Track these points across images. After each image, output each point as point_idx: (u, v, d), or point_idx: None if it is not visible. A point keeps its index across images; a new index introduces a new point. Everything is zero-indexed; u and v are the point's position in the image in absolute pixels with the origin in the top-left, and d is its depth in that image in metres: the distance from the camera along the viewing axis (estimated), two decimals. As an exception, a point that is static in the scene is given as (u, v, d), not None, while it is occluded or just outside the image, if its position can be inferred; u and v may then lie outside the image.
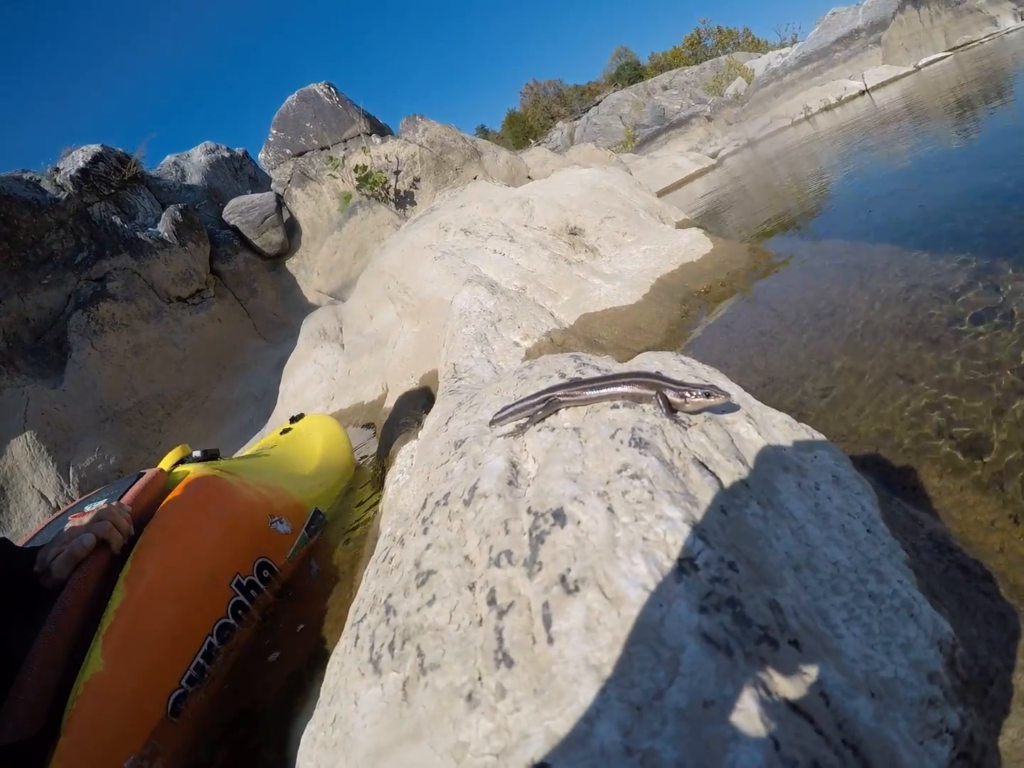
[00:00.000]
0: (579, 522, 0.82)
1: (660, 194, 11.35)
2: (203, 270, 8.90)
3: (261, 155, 10.49)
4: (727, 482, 0.89)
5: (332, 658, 1.09)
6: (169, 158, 10.90)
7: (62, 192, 7.98)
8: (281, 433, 2.98)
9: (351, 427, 4.98)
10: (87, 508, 1.68)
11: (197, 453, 2.08)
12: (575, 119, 36.71)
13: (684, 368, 1.41)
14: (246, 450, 2.98)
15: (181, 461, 2.00)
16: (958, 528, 1.11)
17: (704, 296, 3.15)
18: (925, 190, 3.66)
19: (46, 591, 1.37)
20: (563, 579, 0.74)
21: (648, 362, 1.49)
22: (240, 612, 1.71)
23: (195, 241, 8.84)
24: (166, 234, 8.51)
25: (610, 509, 0.81)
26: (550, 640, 0.68)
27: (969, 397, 1.51)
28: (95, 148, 8.83)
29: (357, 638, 1.06)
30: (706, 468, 0.90)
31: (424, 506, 1.22)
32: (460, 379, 3.03)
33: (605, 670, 0.61)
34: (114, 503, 1.58)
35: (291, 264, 10.26)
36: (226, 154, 11.45)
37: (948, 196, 3.25)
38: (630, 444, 0.93)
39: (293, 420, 3.08)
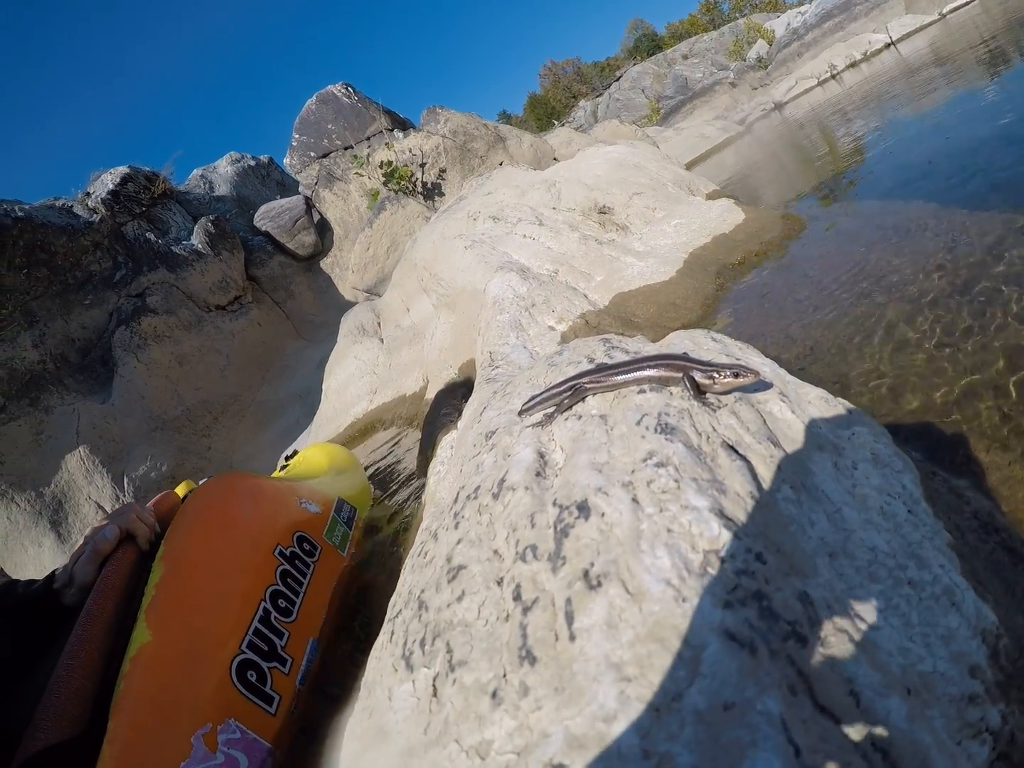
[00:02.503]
0: (603, 514, 0.79)
1: (689, 165, 11.06)
2: (239, 277, 9.12)
3: (286, 160, 10.66)
4: (758, 466, 0.85)
5: (372, 652, 1.10)
6: (196, 172, 11.19)
7: (95, 215, 8.28)
8: (280, 470, 2.97)
9: (398, 421, 5.07)
10: None
11: (203, 481, 2.02)
12: (597, 96, 36.08)
13: (715, 346, 1.36)
14: None
15: (188, 494, 1.95)
16: (1006, 506, 1.03)
17: (738, 268, 3.05)
18: (961, 143, 3.46)
19: (70, 609, 1.26)
20: (586, 574, 0.72)
21: (679, 342, 1.45)
22: (290, 580, 1.61)
23: (229, 250, 9.06)
24: (200, 246, 8.75)
25: (635, 500, 0.78)
26: (572, 637, 0.66)
27: (1018, 366, 1.41)
28: (123, 170, 9.13)
29: (392, 633, 1.07)
30: (736, 452, 0.86)
31: (456, 499, 1.22)
32: (497, 367, 3.03)
33: (626, 669, 0.59)
34: (134, 503, 1.51)
35: (325, 264, 10.43)
36: (252, 162, 11.67)
37: (986, 149, 3.05)
38: (656, 430, 0.89)
39: (288, 458, 3.07)
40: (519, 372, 2.04)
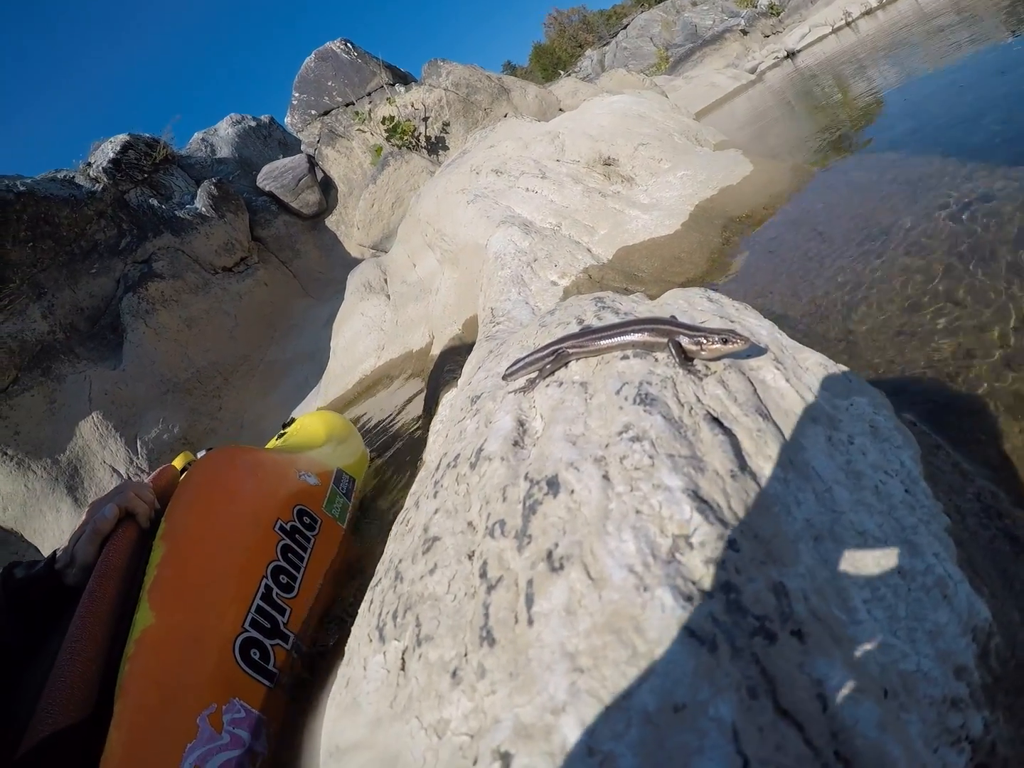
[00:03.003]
0: (572, 491, 0.74)
1: (699, 115, 10.70)
2: (244, 238, 9.04)
3: (287, 119, 10.43)
4: (744, 440, 0.79)
5: (356, 619, 1.09)
6: (197, 135, 11.04)
7: (97, 184, 8.24)
8: (277, 439, 2.92)
9: (401, 378, 5.07)
10: None
11: (201, 452, 1.99)
12: (604, 45, 34.72)
13: (710, 306, 1.29)
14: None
15: (187, 467, 1.89)
16: (1014, 484, 0.96)
17: (746, 221, 2.92)
18: (978, 96, 3.25)
19: (72, 589, 1.24)
20: (550, 555, 0.68)
21: (672, 301, 1.37)
22: (291, 556, 1.59)
23: (233, 212, 8.97)
24: (203, 209, 8.66)
25: (605, 477, 0.73)
26: (530, 621, 0.62)
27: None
28: (123, 137, 9.04)
29: (371, 602, 1.06)
30: (720, 425, 0.80)
31: (438, 466, 1.19)
32: (498, 323, 2.98)
33: (580, 659, 0.55)
34: (132, 481, 1.48)
35: (331, 222, 10.31)
36: (252, 123, 11.46)
37: (1005, 102, 2.86)
38: (635, 401, 0.84)
39: (285, 426, 3.02)
40: (517, 331, 1.98)
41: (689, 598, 0.55)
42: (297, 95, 10.18)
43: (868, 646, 0.60)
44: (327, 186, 10.22)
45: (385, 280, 6.88)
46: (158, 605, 1.18)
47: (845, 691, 0.53)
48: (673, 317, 1.03)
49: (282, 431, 2.96)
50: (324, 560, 1.72)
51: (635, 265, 3.03)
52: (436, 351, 3.94)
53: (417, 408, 3.71)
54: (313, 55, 10.28)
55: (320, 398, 6.77)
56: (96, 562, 1.23)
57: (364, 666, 0.94)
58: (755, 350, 0.98)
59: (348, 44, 10.33)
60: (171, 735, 1.03)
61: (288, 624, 1.41)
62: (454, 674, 0.69)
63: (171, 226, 8.31)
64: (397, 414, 4.15)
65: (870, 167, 2.97)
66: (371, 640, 0.97)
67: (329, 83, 10.10)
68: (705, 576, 0.57)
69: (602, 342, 1.02)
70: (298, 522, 1.73)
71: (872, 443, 0.86)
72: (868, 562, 0.68)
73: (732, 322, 1.13)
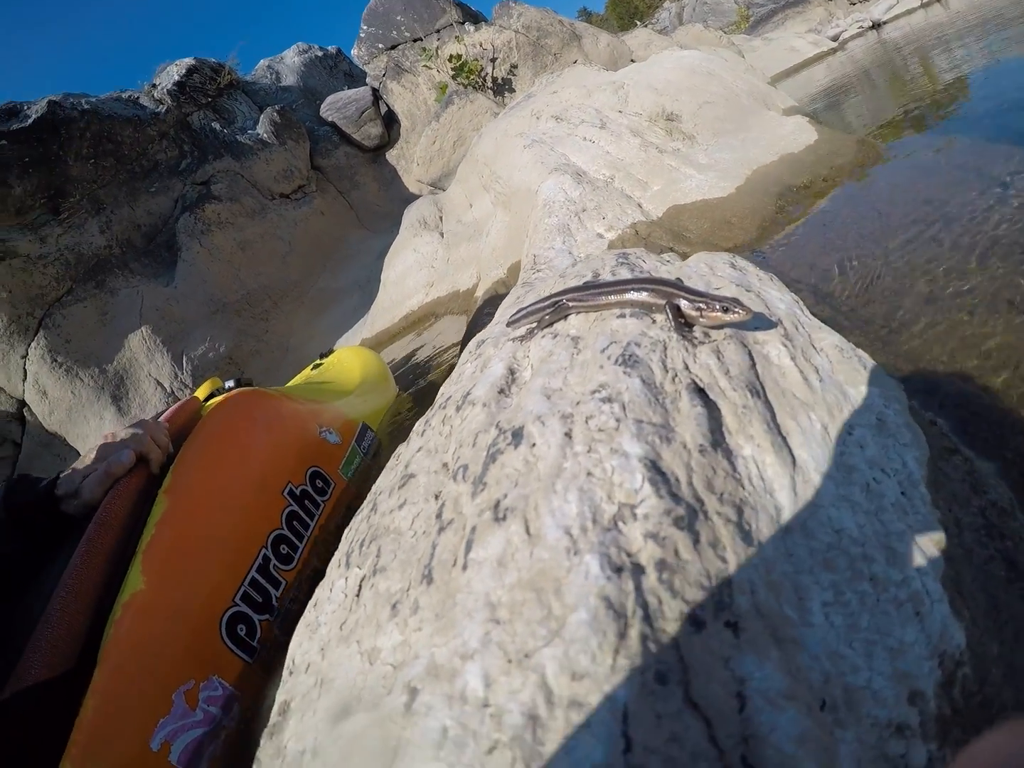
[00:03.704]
0: (534, 444, 0.71)
1: (775, 79, 10.16)
2: (304, 167, 9.07)
3: (354, 51, 10.27)
4: (726, 415, 0.74)
5: (340, 544, 1.12)
6: (263, 62, 10.99)
7: (161, 106, 8.32)
8: (312, 368, 2.79)
9: (448, 315, 5.11)
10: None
11: (230, 383, 1.88)
12: None
13: (732, 273, 1.21)
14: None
15: (212, 394, 1.79)
16: None
17: (803, 191, 2.75)
18: None
19: (71, 518, 1.19)
20: (497, 505, 0.66)
21: (695, 264, 1.30)
22: (296, 524, 1.48)
23: (294, 139, 8.98)
24: (265, 135, 8.70)
25: (568, 435, 0.69)
26: (464, 566, 0.61)
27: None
28: (188, 61, 9.06)
29: (350, 529, 1.08)
30: (702, 396, 0.75)
31: (434, 407, 1.19)
32: (538, 271, 2.94)
33: (499, 611, 0.53)
34: (149, 419, 1.37)
35: (391, 156, 10.24)
36: (319, 53, 11.32)
37: None
38: (617, 361, 0.79)
39: (323, 356, 2.90)
40: (548, 279, 1.95)
41: (618, 569, 0.53)
42: (365, 28, 9.99)
43: (815, 652, 0.56)
44: (390, 120, 10.11)
45: (440, 218, 6.86)
46: (150, 569, 1.12)
47: (769, 694, 0.49)
48: (679, 280, 0.97)
49: (319, 361, 2.89)
50: (330, 523, 1.63)
51: (683, 225, 2.92)
52: (480, 293, 3.94)
53: (457, 349, 3.74)
54: (383, -13, 10.03)
55: (367, 329, 6.87)
56: (100, 503, 1.18)
57: (331, 588, 0.96)
58: (763, 322, 0.91)
59: (419, -22, 10.03)
60: (145, 709, 0.99)
61: (280, 597, 1.33)
62: (394, 607, 0.70)
63: (232, 150, 8.39)
64: (438, 353, 4.19)
65: (940, 149, 2.74)
66: (339, 565, 0.99)
67: (398, 17, 9.86)
68: (642, 550, 0.54)
69: (601, 298, 0.97)
70: (310, 486, 1.62)
71: (874, 437, 0.79)
72: (839, 563, 0.64)
73: (749, 292, 1.06)
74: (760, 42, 16.11)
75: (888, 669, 0.56)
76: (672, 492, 0.59)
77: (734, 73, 3.97)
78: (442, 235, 6.46)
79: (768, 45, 15.42)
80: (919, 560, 0.66)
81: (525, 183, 3.82)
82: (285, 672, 0.97)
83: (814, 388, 0.84)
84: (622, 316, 0.93)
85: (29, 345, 6.42)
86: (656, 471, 0.61)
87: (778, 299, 1.08)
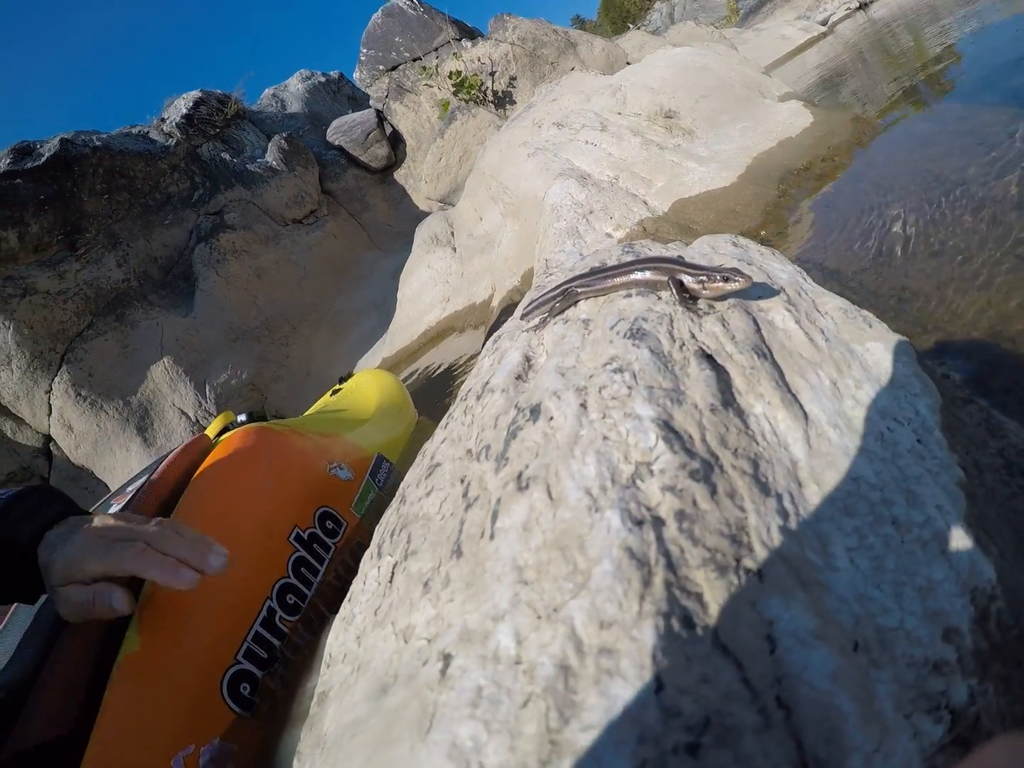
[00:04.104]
0: (551, 418, 0.74)
1: (769, 68, 10.31)
2: (314, 191, 9.26)
3: (356, 75, 10.50)
4: (735, 377, 0.76)
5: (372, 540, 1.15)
6: (268, 91, 11.28)
7: (170, 139, 8.56)
8: (331, 395, 2.69)
9: (468, 329, 5.15)
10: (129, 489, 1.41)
11: (242, 417, 1.80)
12: None
13: (734, 251, 1.23)
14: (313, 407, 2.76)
15: (226, 428, 1.72)
16: None
17: (804, 174, 2.78)
18: None
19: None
20: (519, 476, 0.68)
21: (699, 246, 1.33)
22: (304, 571, 1.36)
23: (303, 165, 9.19)
24: (274, 162, 8.91)
25: (583, 405, 0.72)
26: (492, 536, 0.64)
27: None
28: (195, 94, 9.30)
29: (381, 524, 1.11)
30: (710, 361, 0.77)
31: (455, 400, 1.22)
32: (551, 274, 3.00)
33: (526, 573, 0.55)
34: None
35: (399, 175, 10.42)
36: (322, 79, 11.60)
37: None
38: (626, 335, 0.82)
39: (342, 380, 2.80)
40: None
41: (639, 522, 0.55)
42: (365, 51, 10.22)
43: (843, 595, 0.57)
44: (395, 140, 10.30)
45: (452, 233, 6.93)
46: (146, 628, 1.03)
47: (799, 634, 0.51)
48: (679, 257, 1.00)
49: (338, 386, 2.81)
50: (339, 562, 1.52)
51: (690, 218, 2.96)
52: (496, 303, 3.99)
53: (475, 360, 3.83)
54: (380, 11, 10.30)
55: (386, 348, 6.93)
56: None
57: (364, 580, 0.99)
58: (765, 291, 0.93)
59: (414, 0, 10.24)
60: None
61: (284, 646, 1.23)
62: (426, 584, 0.72)
63: (242, 179, 8.60)
64: (457, 365, 4.23)
65: (934, 118, 2.79)
66: (371, 557, 1.02)
67: (396, 39, 10.08)
68: (661, 503, 0.56)
69: (608, 281, 1.00)
70: (319, 528, 1.50)
71: (884, 389, 0.81)
72: (860, 508, 0.65)
73: (751, 265, 1.08)
74: (751, 34, 16.30)
75: (919, 608, 0.56)
76: (686, 448, 0.61)
77: (727, 65, 4.01)
78: (455, 250, 6.54)
79: (759, 36, 15.69)
80: (940, 500, 0.67)
81: (532, 191, 3.89)
82: (322, 666, 0.99)
83: (820, 347, 0.85)
84: (628, 296, 0.95)
85: (53, 380, 6.55)
86: (669, 430, 0.63)
87: (780, 270, 1.10)
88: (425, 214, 9.11)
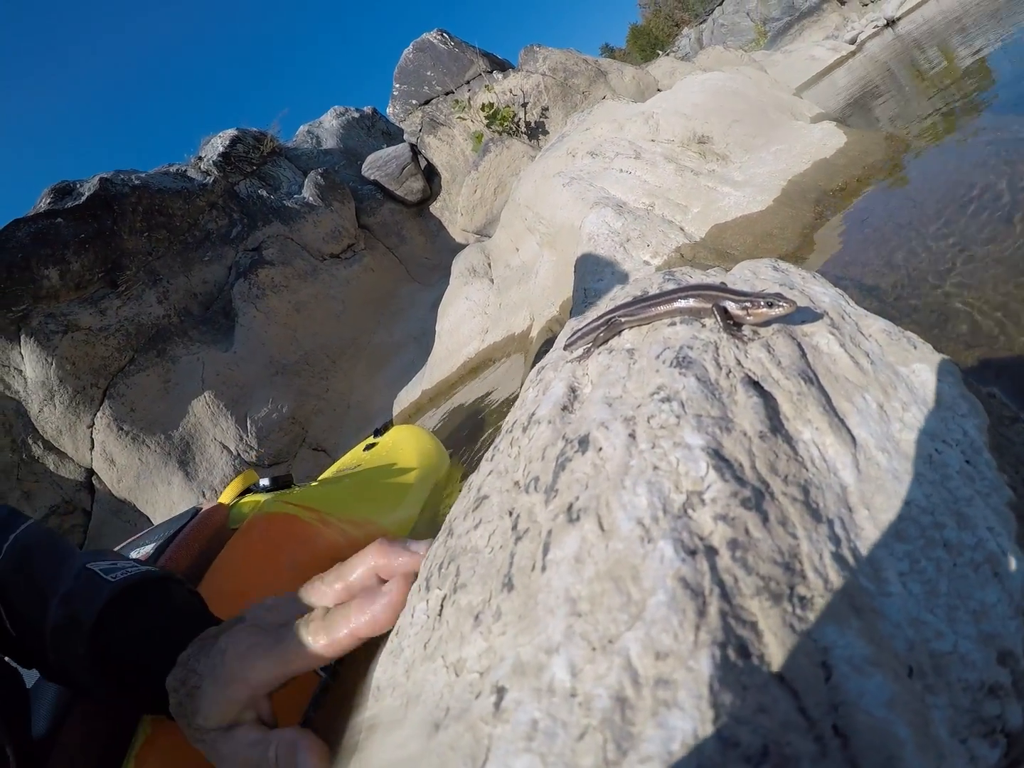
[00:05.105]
0: (600, 448, 0.75)
1: (799, 89, 10.36)
2: (351, 226, 9.56)
3: (389, 110, 10.89)
4: (783, 404, 0.76)
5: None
6: (303, 128, 11.73)
7: (208, 177, 8.96)
8: (365, 449, 2.48)
9: (504, 361, 5.19)
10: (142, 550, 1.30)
11: (265, 481, 1.65)
12: (701, 23, 33.91)
13: (775, 275, 1.23)
14: (330, 468, 2.54)
15: (247, 491, 1.60)
16: None
17: (839, 194, 2.78)
18: None
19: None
20: (570, 507, 0.69)
21: (739, 272, 1.33)
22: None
23: (339, 200, 9.50)
24: (311, 198, 9.24)
25: (631, 435, 0.73)
26: (544, 568, 0.64)
27: None
28: (232, 132, 9.74)
29: (428, 557, 1.11)
30: (757, 388, 0.78)
31: (499, 434, 1.24)
32: (590, 303, 3.04)
33: (579, 604, 0.56)
34: None
35: (435, 208, 10.70)
36: (356, 114, 12.03)
37: None
38: (672, 364, 0.83)
39: (377, 433, 2.59)
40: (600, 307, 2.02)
41: (692, 552, 0.55)
42: (398, 86, 10.60)
43: (897, 620, 0.56)
44: (430, 173, 10.60)
45: (489, 264, 7.04)
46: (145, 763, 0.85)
47: (854, 661, 0.50)
48: (723, 283, 1.00)
49: (373, 440, 2.60)
50: None
51: (727, 243, 2.97)
52: (535, 334, 4.03)
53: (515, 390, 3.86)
54: (411, 46, 10.67)
55: (425, 380, 7.02)
56: None
57: (412, 614, 1.00)
58: (809, 315, 0.93)
59: (444, 34, 10.65)
60: None
61: None
62: (476, 617, 0.73)
63: (280, 215, 8.93)
64: (497, 398, 4.25)
65: (967, 132, 2.79)
66: (419, 589, 1.02)
67: (428, 73, 10.43)
68: (713, 532, 0.57)
69: (651, 310, 1.01)
70: None
71: (931, 411, 0.80)
72: (911, 532, 0.64)
73: (792, 289, 1.08)
74: (780, 56, 16.48)
75: (973, 632, 0.56)
76: (737, 476, 0.62)
77: (758, 88, 4.04)
78: (492, 281, 6.63)
79: (788, 57, 15.88)
80: (991, 522, 0.66)
81: (568, 220, 3.95)
82: (370, 699, 0.99)
83: (865, 370, 0.85)
84: (672, 324, 0.97)
85: (95, 415, 6.79)
86: (719, 458, 0.64)
87: (822, 293, 1.10)
88: (461, 246, 9.30)
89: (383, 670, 1.01)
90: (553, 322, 3.83)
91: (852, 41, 17.97)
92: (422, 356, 7.62)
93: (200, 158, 9.32)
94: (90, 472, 6.67)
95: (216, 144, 9.48)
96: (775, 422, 0.73)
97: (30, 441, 6.58)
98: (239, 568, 1.25)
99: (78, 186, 7.83)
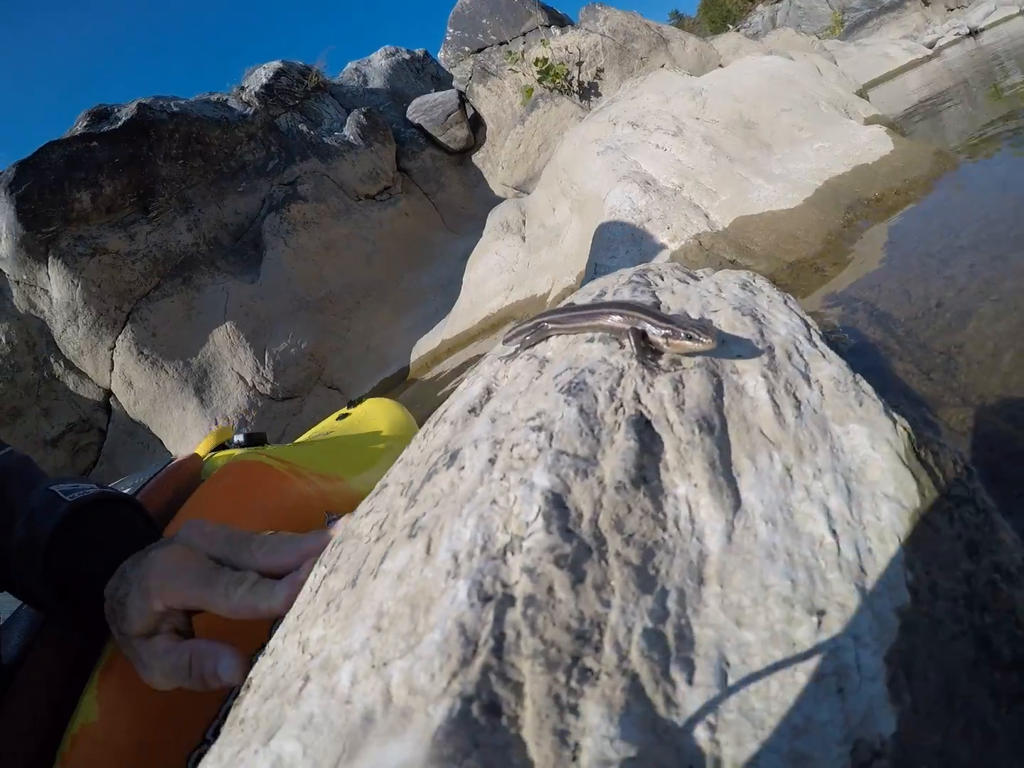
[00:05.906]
0: (463, 468, 0.71)
1: (867, 86, 9.85)
2: (390, 168, 9.43)
3: (440, 54, 10.59)
4: (668, 450, 0.70)
5: None
6: (351, 65, 11.45)
7: (249, 108, 8.83)
8: (338, 419, 2.46)
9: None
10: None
11: (239, 437, 1.62)
12: (777, 1, 31.98)
13: (740, 295, 1.14)
14: (303, 436, 2.50)
15: (221, 446, 1.58)
16: None
17: (874, 204, 2.61)
18: None
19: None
20: (415, 522, 0.67)
21: (704, 284, 1.26)
22: None
23: (380, 141, 9.34)
24: (351, 137, 9.08)
25: (491, 460, 0.69)
26: (375, 575, 0.65)
27: None
28: (276, 64, 9.53)
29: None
30: (644, 430, 0.73)
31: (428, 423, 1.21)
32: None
33: (383, 620, 0.57)
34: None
35: (477, 158, 10.47)
36: (406, 56, 11.69)
37: None
38: (562, 388, 0.77)
39: (351, 404, 2.57)
40: (594, 290, 1.96)
41: (487, 599, 0.52)
42: (451, 31, 10.27)
43: (691, 719, 0.52)
44: (476, 123, 10.35)
45: (523, 221, 6.93)
46: (106, 697, 0.87)
47: (606, 756, 0.47)
48: (656, 304, 0.94)
49: (345, 411, 2.59)
50: None
51: (749, 237, 2.85)
52: (551, 300, 3.99)
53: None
54: (469, -8, 10.26)
55: (446, 330, 7.02)
56: None
57: (309, 585, 1.02)
58: (747, 350, 0.86)
59: (505, -18, 10.19)
60: None
61: None
62: (328, 604, 0.73)
63: (318, 151, 8.83)
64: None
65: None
66: (318, 564, 1.04)
67: (484, 20, 10.07)
68: (518, 583, 0.54)
69: (577, 321, 0.96)
70: None
71: (846, 483, 0.73)
72: (758, 621, 0.59)
73: (745, 316, 1.00)
74: (854, 48, 15.98)
75: (783, 747, 0.51)
76: (566, 528, 0.58)
77: (815, 80, 3.81)
78: (524, 239, 6.54)
79: (862, 51, 15.24)
80: (863, 629, 0.59)
81: (596, 190, 3.85)
82: (266, 655, 1.02)
83: (786, 424, 0.78)
84: (591, 340, 0.91)
85: (117, 337, 6.95)
86: (557, 505, 0.60)
87: (782, 323, 1.02)
88: (499, 199, 9.13)
89: (278, 630, 1.03)
90: (568, 291, 3.77)
91: (930, 45, 17.35)
92: (446, 305, 7.51)
93: (242, 88, 9.13)
94: (108, 393, 6.87)
95: (260, 75, 9.23)
96: (649, 472, 0.68)
97: (52, 360, 6.79)
98: (209, 509, 1.26)
99: (116, 110, 7.80)
